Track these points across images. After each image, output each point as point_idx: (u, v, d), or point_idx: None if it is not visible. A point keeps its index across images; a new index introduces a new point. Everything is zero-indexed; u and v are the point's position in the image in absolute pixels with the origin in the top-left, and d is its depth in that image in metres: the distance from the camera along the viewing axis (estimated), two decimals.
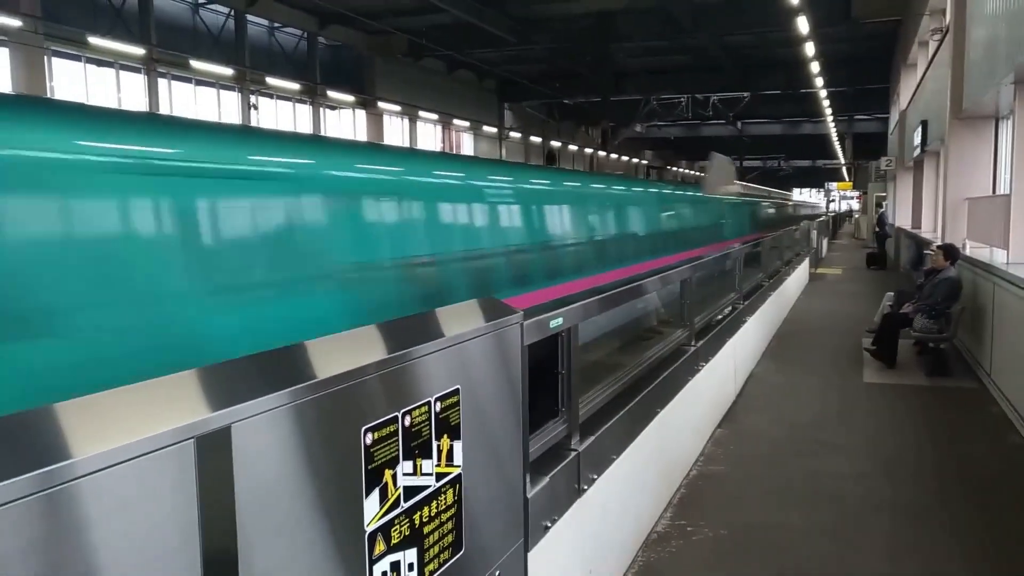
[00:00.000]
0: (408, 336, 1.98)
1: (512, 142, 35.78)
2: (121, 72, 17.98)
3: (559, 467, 2.83)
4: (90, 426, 1.15)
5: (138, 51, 17.54)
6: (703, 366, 5.27)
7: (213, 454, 1.26)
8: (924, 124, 14.30)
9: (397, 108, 26.87)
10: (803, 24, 16.60)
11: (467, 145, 32.90)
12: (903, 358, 7.92)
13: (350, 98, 25.09)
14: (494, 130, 33.90)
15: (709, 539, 3.91)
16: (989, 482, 4.72)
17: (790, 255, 13.19)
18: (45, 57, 15.89)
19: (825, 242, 25.45)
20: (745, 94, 31.85)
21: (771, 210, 24.94)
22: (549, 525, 2.73)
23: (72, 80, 16.88)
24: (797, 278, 13.50)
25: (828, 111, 32.08)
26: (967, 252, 9.03)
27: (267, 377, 1.49)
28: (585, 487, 3.08)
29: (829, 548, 3.83)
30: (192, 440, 1.22)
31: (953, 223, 10.62)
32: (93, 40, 15.89)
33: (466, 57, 26.73)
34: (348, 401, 1.63)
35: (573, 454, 2.99)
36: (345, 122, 25.74)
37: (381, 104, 26.17)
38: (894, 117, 24.45)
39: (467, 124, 31.48)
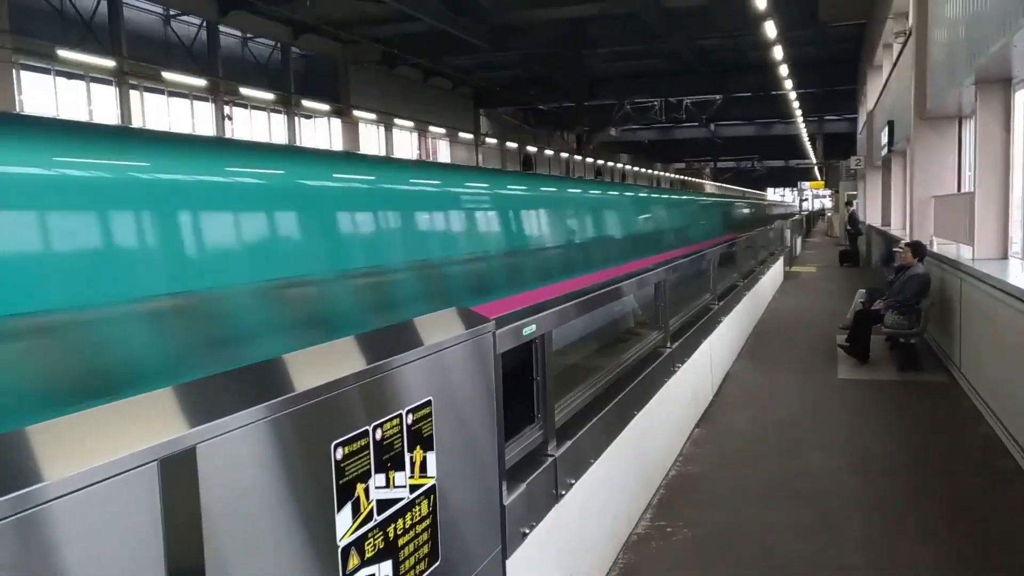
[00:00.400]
0: (379, 349, 1.99)
1: (488, 148, 35.84)
2: (92, 84, 17.76)
3: (536, 473, 2.85)
4: (49, 452, 1.14)
5: (109, 63, 17.35)
6: (679, 367, 5.33)
7: (178, 476, 1.26)
8: (890, 124, 14.55)
9: (373, 116, 26.82)
10: (771, 28, 16.86)
11: (443, 152, 32.89)
12: (875, 354, 8.05)
13: (325, 107, 25.01)
14: (470, 136, 33.94)
15: (689, 539, 3.94)
16: (960, 475, 4.81)
17: (764, 254, 13.34)
18: (14, 71, 15.66)
19: (799, 241, 25.77)
20: (717, 97, 32.22)
21: (744, 211, 25.21)
22: (527, 532, 2.74)
23: (42, 93, 16.64)
24: (772, 277, 13.66)
25: (798, 112, 32.55)
26: (934, 249, 9.20)
27: (234, 395, 1.49)
28: (563, 492, 3.10)
29: (805, 546, 3.88)
30: (156, 463, 1.22)
31: (920, 221, 10.81)
32: (63, 53, 15.70)
33: (441, 65, 26.76)
34: (317, 416, 1.64)
35: (550, 460, 3.01)
36: (321, 131, 25.63)
37: (356, 113, 26.09)
38: (862, 117, 24.83)
39: (443, 131, 31.50)
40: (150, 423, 1.30)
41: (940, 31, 9.34)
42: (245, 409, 1.43)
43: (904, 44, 12.63)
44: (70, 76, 17.25)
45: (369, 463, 1.80)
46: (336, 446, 1.69)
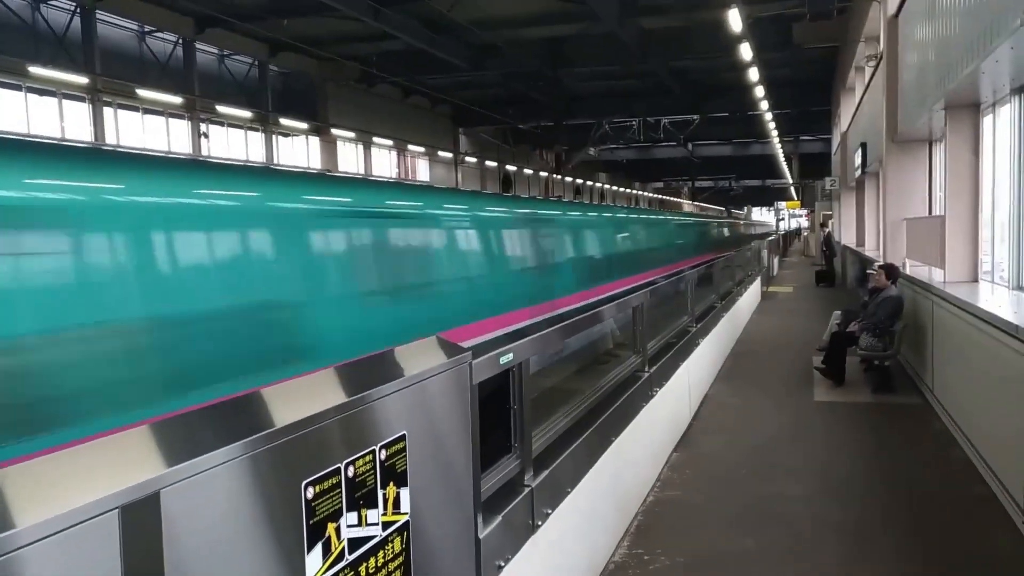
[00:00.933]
0: (352, 382, 1.96)
1: (468, 167, 35.93)
2: (64, 101, 17.55)
3: (512, 504, 2.81)
4: (3, 500, 1.10)
5: (81, 80, 17.16)
6: (657, 391, 5.32)
7: (140, 523, 1.22)
8: (863, 146, 14.81)
9: (351, 135, 26.78)
10: (747, 51, 17.13)
11: (423, 171, 32.92)
12: (851, 376, 8.12)
13: (303, 125, 24.93)
14: (450, 155, 34.01)
15: (666, 567, 3.92)
16: (932, 498, 4.84)
17: (742, 275, 13.47)
18: None
19: (776, 260, 26.06)
20: (695, 117, 32.64)
21: (723, 231, 25.47)
22: (503, 564, 2.70)
23: (12, 110, 16.40)
24: (749, 298, 13.76)
25: (774, 133, 33.06)
26: (907, 271, 9.34)
27: (201, 435, 1.45)
28: (539, 523, 3.07)
29: (782, 572, 3.87)
30: (116, 511, 1.18)
31: (893, 242, 10.98)
32: (34, 69, 15.51)
33: (419, 83, 26.84)
34: (287, 456, 1.60)
35: (527, 490, 2.97)
36: (298, 149, 25.53)
37: (335, 131, 26.04)
38: (836, 138, 25.29)
39: (422, 150, 31.53)
40: (111, 468, 1.26)
41: (911, 55, 9.54)
42: (212, 451, 1.39)
43: (876, 67, 12.90)
44: (42, 93, 17.05)
45: (341, 501, 1.76)
46: (307, 485, 1.65)
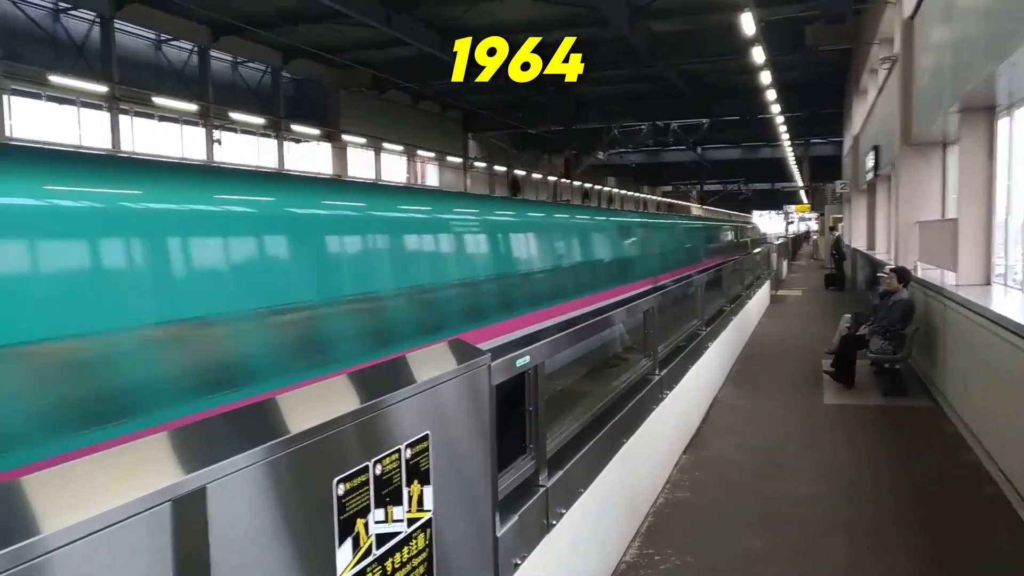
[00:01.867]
0: (377, 385, 2.05)
1: (477, 172, 36.07)
2: (82, 109, 17.81)
3: (528, 504, 2.90)
4: (64, 496, 1.19)
5: (100, 88, 17.41)
6: (667, 394, 5.39)
7: (189, 516, 1.31)
8: (876, 149, 14.79)
9: (362, 140, 26.98)
10: (759, 54, 17.16)
11: (432, 176, 33.08)
12: (861, 379, 8.15)
13: (315, 131, 25.15)
14: (459, 160, 34.17)
15: (677, 567, 3.98)
16: (942, 500, 4.88)
17: (751, 278, 13.49)
18: (4, 96, 15.69)
19: (785, 264, 26.01)
20: (704, 120, 32.63)
21: (731, 235, 25.47)
22: (519, 562, 2.78)
23: (31, 119, 16.65)
24: (758, 301, 13.79)
25: (785, 135, 33.00)
26: (919, 274, 9.35)
27: (240, 435, 1.54)
28: (554, 522, 3.14)
29: (792, 573, 3.93)
30: (168, 503, 1.27)
31: (905, 245, 10.98)
32: (54, 78, 15.74)
33: (429, 89, 27.00)
34: (320, 454, 1.69)
35: (541, 490, 3.05)
36: (310, 155, 25.74)
37: (346, 137, 26.25)
38: (848, 141, 25.23)
39: (432, 155, 31.71)
40: (162, 464, 1.36)
41: (926, 57, 9.54)
42: (253, 448, 1.48)
43: (890, 70, 12.89)
44: (61, 101, 17.30)
45: (369, 498, 1.85)
46: (338, 482, 1.74)
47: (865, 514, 4.64)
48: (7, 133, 15.60)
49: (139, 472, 1.32)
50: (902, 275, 8.22)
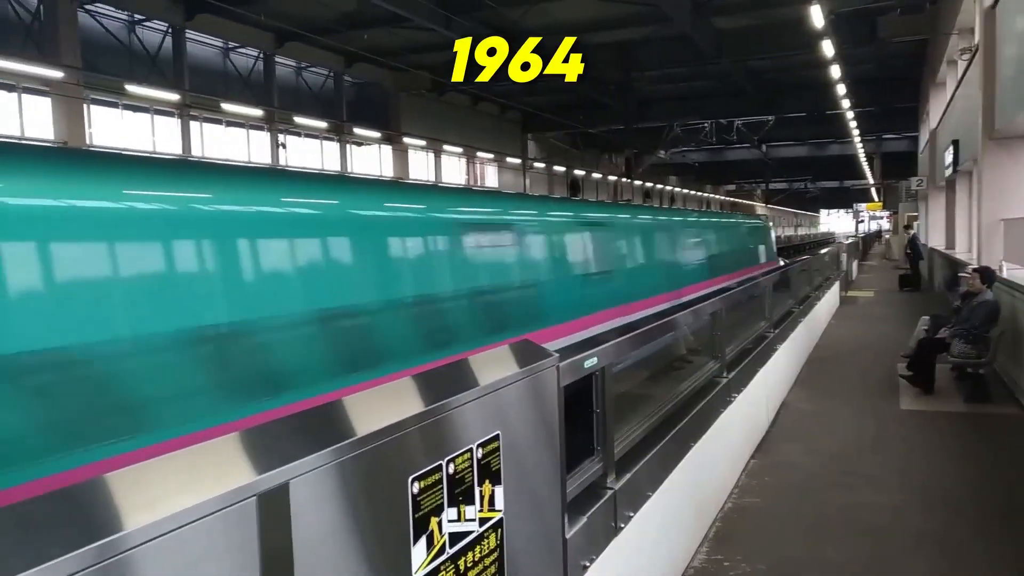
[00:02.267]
0: (449, 385, 2.05)
1: (536, 172, 36.08)
2: (155, 117, 18.56)
3: (596, 506, 2.86)
4: (156, 491, 1.22)
5: (173, 96, 18.11)
6: (735, 397, 5.26)
7: (273, 510, 1.33)
8: (955, 144, 14.16)
9: (422, 142, 27.31)
10: (828, 47, 16.63)
11: (491, 177, 33.25)
12: (941, 384, 7.79)
13: (376, 134, 25.58)
14: (518, 161, 34.23)
15: (747, 575, 3.88)
16: None
17: (820, 279, 13.08)
18: (85, 106, 16.47)
19: (855, 264, 25.16)
20: (770, 118, 31.85)
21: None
22: (587, 565, 2.75)
23: (109, 126, 17.45)
24: (828, 302, 13.36)
25: (855, 132, 31.90)
26: (1004, 274, 8.89)
27: (320, 433, 1.56)
28: (622, 525, 3.10)
29: None
30: (254, 498, 1.29)
31: (989, 244, 10.46)
32: (130, 87, 16.45)
33: (489, 91, 27.13)
34: (395, 452, 1.70)
35: (609, 492, 3.01)
36: (371, 158, 26.21)
37: (406, 139, 26.62)
38: (924, 136, 24.23)
39: (491, 156, 31.86)
40: (246, 460, 1.38)
41: (1010, 47, 9.09)
42: (332, 445, 1.50)
43: (970, 61, 12.33)
44: (136, 109, 18.07)
45: (442, 497, 1.85)
46: (413, 480, 1.75)
47: (946, 525, 4.42)
48: (87, 140, 16.38)
49: (226, 468, 1.34)
50: (986, 275, 7.83)
